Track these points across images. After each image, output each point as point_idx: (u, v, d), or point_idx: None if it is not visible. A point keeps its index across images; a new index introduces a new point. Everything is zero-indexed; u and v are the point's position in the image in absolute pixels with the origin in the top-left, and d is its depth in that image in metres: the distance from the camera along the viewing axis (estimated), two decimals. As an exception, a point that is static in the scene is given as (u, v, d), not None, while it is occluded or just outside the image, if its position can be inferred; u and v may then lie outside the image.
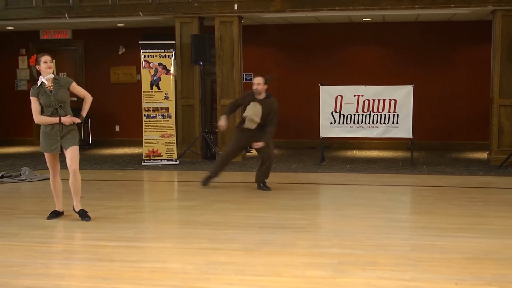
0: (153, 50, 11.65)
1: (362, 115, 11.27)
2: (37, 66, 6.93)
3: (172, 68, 11.71)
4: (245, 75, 13.54)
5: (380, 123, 11.23)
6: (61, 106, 6.89)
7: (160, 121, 11.56)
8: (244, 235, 6.38)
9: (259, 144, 8.55)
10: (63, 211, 7.28)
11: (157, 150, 11.54)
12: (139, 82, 12.72)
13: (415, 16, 12.46)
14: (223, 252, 5.74)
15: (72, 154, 6.95)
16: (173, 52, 11.75)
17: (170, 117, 11.66)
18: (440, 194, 8.71)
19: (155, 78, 11.62)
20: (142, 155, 11.63)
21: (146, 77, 11.66)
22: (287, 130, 14.01)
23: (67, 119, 6.88)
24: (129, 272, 5.19)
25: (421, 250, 5.79)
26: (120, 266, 5.36)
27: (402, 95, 11.13)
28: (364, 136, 11.63)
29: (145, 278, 5.05)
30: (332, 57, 13.82)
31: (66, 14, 12.20)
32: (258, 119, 8.59)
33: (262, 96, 8.62)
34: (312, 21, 13.19)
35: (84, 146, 13.98)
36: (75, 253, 5.84)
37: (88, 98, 7.14)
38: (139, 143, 11.41)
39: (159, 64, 11.65)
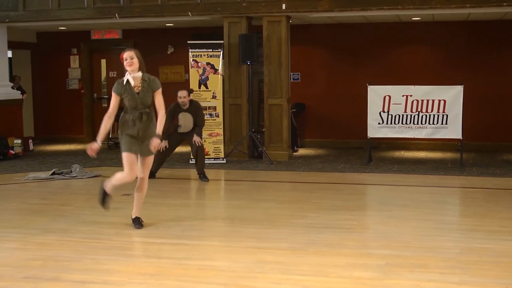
0: (201, 50, 11.74)
1: (411, 115, 11.14)
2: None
3: (220, 67, 11.78)
4: (293, 74, 13.54)
5: (429, 123, 11.09)
6: (146, 111, 6.40)
7: (207, 120, 11.62)
8: (291, 234, 6.38)
9: (198, 140, 9.73)
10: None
11: (205, 149, 11.62)
12: (187, 81, 12.82)
13: (466, 15, 12.25)
14: (269, 251, 5.75)
15: (147, 163, 6.54)
16: (221, 51, 11.81)
17: (217, 116, 11.73)
18: (490, 196, 8.55)
19: (203, 77, 11.71)
20: (190, 153, 11.73)
21: (194, 76, 11.76)
22: (335, 130, 13.97)
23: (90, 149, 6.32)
24: (177, 269, 5.25)
25: (471, 252, 5.70)
26: (167, 263, 5.42)
27: (452, 96, 10.97)
28: (413, 137, 11.49)
29: (192, 275, 5.10)
30: (380, 56, 13.69)
31: (116, 14, 12.39)
32: (191, 126, 9.84)
33: (187, 105, 9.79)
34: (360, 20, 13.11)
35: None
36: (123, 249, 5.92)
37: (162, 114, 6.49)
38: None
39: (207, 63, 11.73)
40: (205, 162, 10.10)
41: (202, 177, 9.78)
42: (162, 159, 9.87)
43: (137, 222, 6.70)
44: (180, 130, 9.92)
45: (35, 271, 5.21)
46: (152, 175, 9.86)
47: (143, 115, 6.35)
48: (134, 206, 6.77)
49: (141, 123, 6.37)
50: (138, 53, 6.36)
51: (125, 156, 6.39)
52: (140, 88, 6.33)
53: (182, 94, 9.76)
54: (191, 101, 9.85)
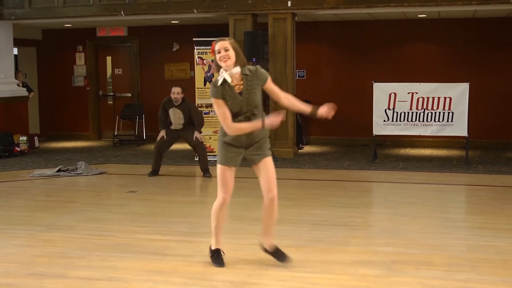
0: (206, 47, 11.71)
1: (416, 112, 11.12)
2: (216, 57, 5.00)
3: (225, 64, 11.74)
4: (298, 72, 13.52)
5: (435, 121, 11.06)
6: (254, 113, 5.02)
7: (213, 117, 11.61)
8: (297, 231, 6.38)
9: (199, 136, 9.95)
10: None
11: (210, 146, 11.60)
12: (192, 79, 12.81)
13: (472, 13, 12.21)
14: (275, 249, 5.74)
15: (269, 172, 5.20)
16: (227, 48, 11.78)
17: (223, 113, 11.70)
18: (497, 194, 8.53)
19: (208, 74, 11.69)
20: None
21: (199, 73, 11.75)
22: (340, 128, 13.92)
23: (271, 121, 4.97)
24: (182, 267, 5.25)
25: (478, 250, 5.68)
26: (173, 260, 5.43)
27: (458, 93, 10.93)
28: (418, 134, 11.45)
29: (198, 272, 5.10)
30: (386, 54, 13.66)
31: (122, 12, 12.38)
32: (182, 121, 9.90)
33: (179, 102, 9.88)
34: (366, 17, 13.08)
35: (138, 141, 14.21)
36: (129, 246, 5.92)
37: (285, 95, 5.16)
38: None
39: (213, 60, 11.71)
40: (210, 159, 10.11)
41: (205, 172, 9.84)
42: (159, 155, 9.99)
43: (281, 255, 5.23)
44: (172, 126, 9.98)
45: (41, 268, 5.22)
46: (155, 173, 9.91)
47: (251, 118, 5.01)
48: (264, 234, 5.29)
49: None
50: (235, 43, 5.14)
51: (220, 170, 5.21)
52: (242, 87, 5.00)
53: (176, 90, 9.90)
54: (183, 99, 9.91)
